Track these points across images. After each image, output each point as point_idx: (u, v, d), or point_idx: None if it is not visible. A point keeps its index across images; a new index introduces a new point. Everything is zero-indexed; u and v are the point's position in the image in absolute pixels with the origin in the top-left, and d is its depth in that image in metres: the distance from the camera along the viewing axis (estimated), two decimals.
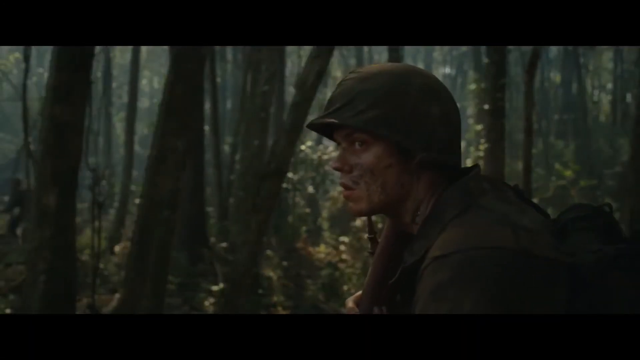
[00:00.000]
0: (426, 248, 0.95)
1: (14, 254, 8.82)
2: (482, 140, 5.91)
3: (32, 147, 9.44)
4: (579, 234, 1.02)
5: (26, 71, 8.71)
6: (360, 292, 1.16)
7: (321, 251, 10.43)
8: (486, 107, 5.87)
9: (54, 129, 3.84)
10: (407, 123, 0.98)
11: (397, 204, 1.02)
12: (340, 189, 1.09)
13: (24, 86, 8.68)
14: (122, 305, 4.16)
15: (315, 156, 11.74)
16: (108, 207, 14.75)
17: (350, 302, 1.15)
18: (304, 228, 11.00)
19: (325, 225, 11.55)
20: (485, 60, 6.08)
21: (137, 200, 12.71)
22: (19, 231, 11.34)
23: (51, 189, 3.89)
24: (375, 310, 1.10)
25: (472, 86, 12.34)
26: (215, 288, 7.46)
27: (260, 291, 7.24)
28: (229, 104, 19.94)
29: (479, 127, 11.87)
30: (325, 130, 1.09)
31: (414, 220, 1.02)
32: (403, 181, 1.00)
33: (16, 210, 11.28)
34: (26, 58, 8.75)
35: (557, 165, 8.09)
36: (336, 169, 1.03)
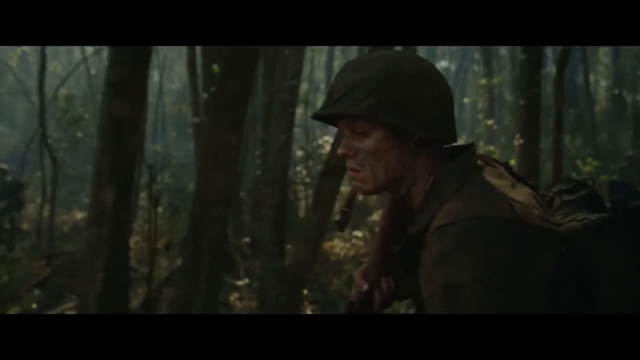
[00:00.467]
0: (428, 220, 1.04)
1: (36, 250, 8.72)
2: (517, 136, 5.93)
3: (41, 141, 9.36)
4: (565, 205, 1.12)
5: (42, 67, 8.65)
6: (365, 265, 1.25)
7: (335, 245, 10.43)
8: (522, 102, 5.89)
9: (113, 125, 3.81)
10: (403, 106, 1.06)
11: (399, 181, 1.11)
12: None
13: (41, 81, 8.62)
14: (178, 304, 4.13)
15: (324, 150, 11.73)
16: None
17: (357, 275, 1.24)
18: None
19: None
20: (521, 56, 6.06)
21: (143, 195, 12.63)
22: (6, 224, 11.09)
23: (109, 186, 3.85)
24: (383, 281, 1.21)
25: (483, 81, 12.42)
26: (240, 283, 7.46)
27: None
28: None
29: (491, 122, 11.94)
30: (329, 119, 1.17)
31: (416, 195, 1.11)
32: (404, 160, 1.09)
33: (3, 203, 10.95)
34: (42, 54, 8.71)
35: (578, 162, 8.18)
36: (342, 155, 1.12)
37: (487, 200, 1.00)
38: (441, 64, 22.79)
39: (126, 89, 3.80)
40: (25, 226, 11.78)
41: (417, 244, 1.05)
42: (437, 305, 0.96)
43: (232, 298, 7.29)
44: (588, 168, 7.85)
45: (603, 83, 23.66)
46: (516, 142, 5.92)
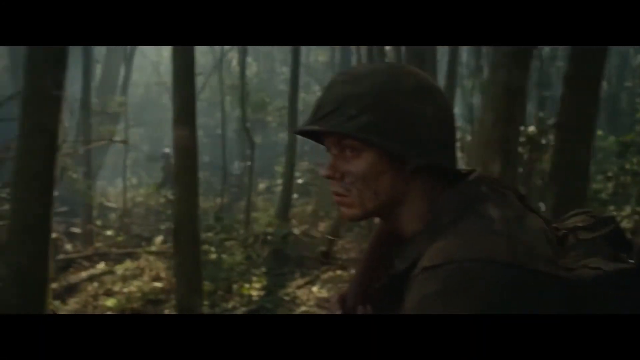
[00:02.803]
0: (416, 255, 0.92)
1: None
2: None
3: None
4: (580, 245, 0.96)
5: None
6: (345, 289, 1.13)
7: None
8: None
9: (508, 95, 3.84)
10: (400, 128, 0.93)
11: (390, 208, 0.98)
12: None
13: (242, 72, 8.79)
14: None
15: None
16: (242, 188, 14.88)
17: (334, 299, 1.12)
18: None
19: None
20: None
21: (300, 180, 12.84)
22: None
23: (497, 157, 3.90)
24: (360, 309, 1.06)
25: None
26: None
27: None
28: None
29: None
30: (314, 135, 1.03)
31: (407, 225, 0.98)
32: (397, 186, 0.96)
33: (168, 186, 11.06)
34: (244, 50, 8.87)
35: None
36: (327, 177, 0.99)
37: (485, 239, 0.87)
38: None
39: (522, 59, 3.82)
40: None
41: (403, 280, 0.93)
42: None
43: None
44: None
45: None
46: None
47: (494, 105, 3.91)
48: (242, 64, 8.63)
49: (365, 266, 1.09)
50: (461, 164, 8.22)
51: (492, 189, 0.97)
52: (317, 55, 18.58)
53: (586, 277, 0.89)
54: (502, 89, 3.86)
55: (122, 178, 11.03)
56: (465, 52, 14.10)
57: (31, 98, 4.01)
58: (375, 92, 0.94)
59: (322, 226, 10.74)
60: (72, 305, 6.27)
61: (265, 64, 18.59)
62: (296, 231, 8.73)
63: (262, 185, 13.19)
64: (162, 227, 9.39)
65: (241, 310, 5.99)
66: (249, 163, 15.15)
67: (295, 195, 12.93)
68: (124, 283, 6.90)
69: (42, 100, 4.02)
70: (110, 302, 6.23)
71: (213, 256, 7.05)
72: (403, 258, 0.95)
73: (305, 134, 1.02)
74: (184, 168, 5.39)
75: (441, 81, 8.22)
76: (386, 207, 0.98)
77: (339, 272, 7.77)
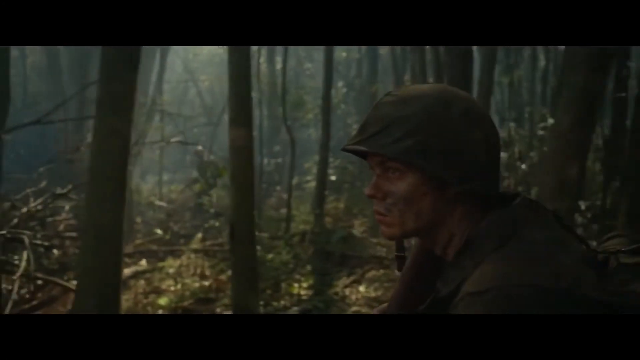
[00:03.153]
0: (461, 279, 0.92)
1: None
2: None
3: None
4: (623, 269, 0.95)
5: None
6: (385, 305, 1.13)
7: None
8: None
9: (586, 100, 3.81)
10: (446, 152, 0.93)
11: (430, 229, 1.00)
12: None
13: (284, 71, 8.81)
14: None
15: None
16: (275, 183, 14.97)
17: (375, 314, 1.14)
18: None
19: None
20: None
21: (333, 177, 12.85)
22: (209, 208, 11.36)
23: (575, 162, 3.88)
24: None
25: None
26: None
27: None
28: None
29: None
30: (359, 152, 1.02)
31: (448, 247, 0.99)
32: (438, 209, 0.97)
33: (199, 185, 11.09)
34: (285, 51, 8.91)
35: None
36: (370, 196, 1.00)
37: (529, 264, 0.86)
38: None
39: (599, 62, 3.79)
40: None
41: (446, 304, 0.93)
42: None
43: None
44: None
45: None
46: None
47: (570, 109, 3.88)
48: (284, 63, 8.65)
49: (404, 283, 1.11)
50: (533, 168, 8.18)
51: (534, 213, 0.97)
52: (340, 51, 18.55)
53: (632, 302, 0.90)
54: (579, 92, 3.83)
55: (158, 175, 11.09)
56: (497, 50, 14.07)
57: (105, 100, 4.05)
58: (423, 114, 0.94)
59: (358, 224, 10.78)
60: (122, 303, 6.32)
61: (291, 60, 18.62)
62: (355, 232, 8.75)
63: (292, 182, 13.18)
64: (206, 225, 9.41)
65: (294, 310, 6.01)
66: (279, 160, 15.36)
67: (326, 192, 12.99)
68: (172, 281, 6.95)
69: (115, 103, 4.06)
70: (162, 301, 6.27)
71: (269, 256, 7.07)
72: (446, 281, 0.96)
73: (351, 152, 1.03)
74: (240, 168, 5.40)
75: (477, 78, 8.19)
76: (426, 228, 0.99)
77: (382, 271, 7.81)
